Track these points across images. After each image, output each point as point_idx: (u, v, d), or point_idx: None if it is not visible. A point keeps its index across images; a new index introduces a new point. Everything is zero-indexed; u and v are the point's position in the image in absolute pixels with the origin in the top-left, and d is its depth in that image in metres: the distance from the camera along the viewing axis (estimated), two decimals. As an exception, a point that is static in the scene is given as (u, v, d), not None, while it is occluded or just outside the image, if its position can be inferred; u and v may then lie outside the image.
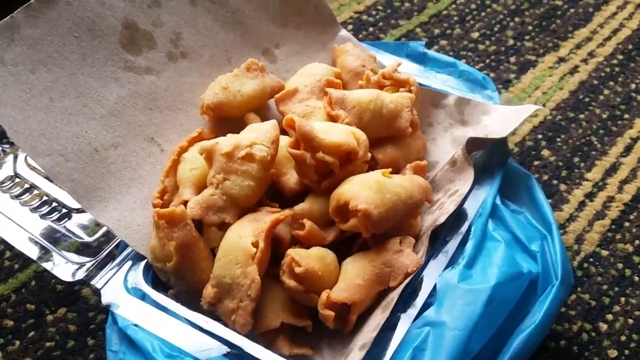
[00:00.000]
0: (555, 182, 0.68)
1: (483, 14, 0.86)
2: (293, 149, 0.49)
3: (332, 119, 0.54)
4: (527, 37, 0.83)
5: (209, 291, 0.46)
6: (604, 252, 0.63)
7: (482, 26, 0.84)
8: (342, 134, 0.49)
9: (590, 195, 0.67)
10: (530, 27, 0.84)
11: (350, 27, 0.82)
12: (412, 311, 0.46)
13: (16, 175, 0.57)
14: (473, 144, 0.57)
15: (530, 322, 0.46)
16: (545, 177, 0.69)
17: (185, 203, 0.49)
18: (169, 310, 0.47)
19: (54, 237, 0.52)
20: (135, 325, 0.45)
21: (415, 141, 0.59)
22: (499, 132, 0.57)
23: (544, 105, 0.76)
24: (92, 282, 0.49)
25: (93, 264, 0.50)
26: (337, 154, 0.48)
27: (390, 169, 0.51)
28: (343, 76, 0.63)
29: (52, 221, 0.54)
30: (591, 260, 0.62)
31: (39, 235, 0.52)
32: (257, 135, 0.49)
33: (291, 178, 0.52)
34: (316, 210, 0.50)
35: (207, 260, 0.48)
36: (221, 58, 0.60)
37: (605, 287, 0.60)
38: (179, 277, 0.47)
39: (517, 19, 0.85)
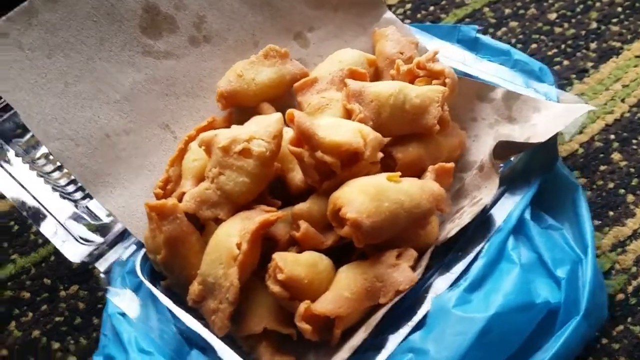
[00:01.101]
0: (622, 191, 0.59)
1: (566, -9, 0.76)
2: (295, 145, 0.46)
3: (348, 113, 0.50)
4: (614, 20, 0.72)
5: (194, 288, 0.45)
6: (669, 279, 0.54)
7: (562, 6, 0.74)
8: (346, 133, 0.45)
9: (663, 210, 0.58)
10: (619, 9, 0.73)
11: (408, 5, 0.76)
12: (403, 333, 0.42)
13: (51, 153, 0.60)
14: (509, 148, 0.51)
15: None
16: (611, 185, 0.60)
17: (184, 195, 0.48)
18: (158, 302, 0.46)
19: (71, 217, 0.54)
20: (122, 314, 0.45)
21: (448, 139, 0.54)
22: (543, 135, 0.50)
23: (622, 100, 0.66)
24: (97, 265, 0.50)
25: (99, 247, 0.51)
26: (337, 154, 0.45)
27: (399, 173, 0.46)
28: (379, 63, 0.59)
29: (73, 201, 0.55)
30: (651, 287, 0.54)
31: (57, 213, 0.53)
32: (257, 129, 0.47)
33: (297, 175, 0.50)
34: (316, 211, 0.47)
35: (199, 255, 0.46)
36: (248, 42, 0.58)
37: (663, 320, 0.52)
38: (168, 270, 0.46)
39: (605, -1, 0.74)
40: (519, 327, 0.41)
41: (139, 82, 0.53)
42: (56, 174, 0.58)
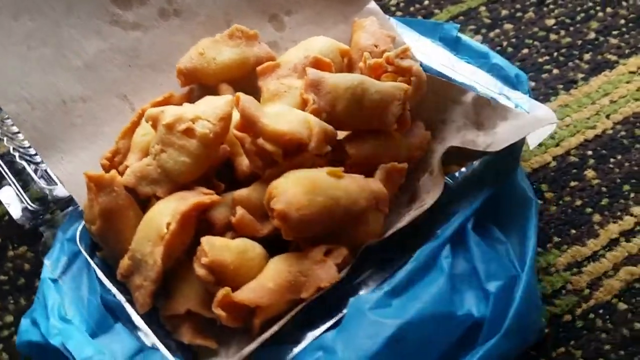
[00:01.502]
0: (589, 210, 0.57)
1: (569, -3, 0.73)
2: (240, 130, 0.46)
3: (305, 102, 0.50)
4: (614, 32, 0.69)
5: (124, 262, 0.45)
6: (622, 306, 0.52)
7: (563, 12, 0.72)
8: (292, 122, 0.45)
9: (628, 234, 0.56)
10: (622, 21, 0.70)
11: (403, -3, 0.74)
12: (320, 330, 0.41)
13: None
14: (469, 154, 0.50)
15: (452, 374, 0.40)
16: (578, 203, 0.58)
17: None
18: (92, 273, 0.47)
19: (26, 178, 0.54)
20: (53, 280, 0.46)
21: (409, 139, 0.53)
22: (500, 144, 0.49)
23: (607, 116, 0.63)
24: (42, 229, 0.51)
25: (48, 211, 0.51)
26: (280, 143, 0.44)
27: (341, 168, 0.45)
28: (353, 55, 0.57)
29: (34, 163, 0.56)
30: (601, 311, 0.52)
31: (12, 173, 0.54)
32: (205, 109, 0.46)
33: (245, 160, 0.49)
34: (256, 198, 0.47)
35: (135, 230, 0.46)
36: (219, 20, 0.57)
37: (607, 347, 0.50)
38: (103, 242, 0.47)
39: (609, 9, 0.71)
40: (435, 338, 0.40)
41: (102, 50, 0.53)
42: (21, 135, 0.59)
